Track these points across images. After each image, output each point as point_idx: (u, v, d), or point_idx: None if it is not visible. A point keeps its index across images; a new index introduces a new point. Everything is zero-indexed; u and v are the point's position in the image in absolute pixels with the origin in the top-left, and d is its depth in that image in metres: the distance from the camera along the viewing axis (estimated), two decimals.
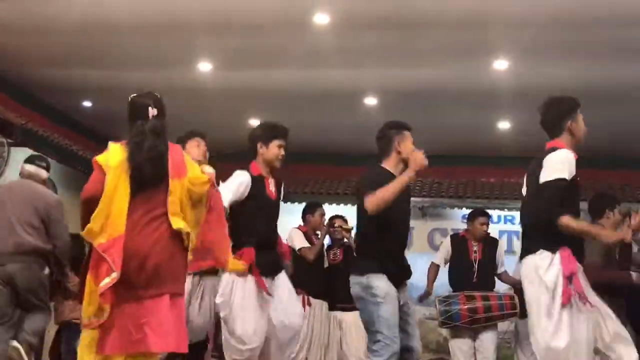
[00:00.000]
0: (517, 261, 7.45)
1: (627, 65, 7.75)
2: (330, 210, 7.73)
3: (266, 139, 4.79)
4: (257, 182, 4.71)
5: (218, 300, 4.67)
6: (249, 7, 6.95)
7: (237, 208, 4.60)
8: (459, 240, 6.93)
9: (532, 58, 7.72)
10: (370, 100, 9.27)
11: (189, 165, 3.66)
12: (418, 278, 6.86)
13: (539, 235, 3.98)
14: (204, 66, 8.44)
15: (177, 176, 3.53)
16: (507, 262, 7.07)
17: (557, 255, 3.87)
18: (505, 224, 11.46)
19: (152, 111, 3.66)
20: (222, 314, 4.63)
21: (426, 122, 9.73)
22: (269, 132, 4.84)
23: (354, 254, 5.13)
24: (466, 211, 9.25)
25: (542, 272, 3.87)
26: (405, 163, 4.41)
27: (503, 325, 7.04)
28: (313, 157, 11.39)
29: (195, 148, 5.26)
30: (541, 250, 3.93)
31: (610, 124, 9.09)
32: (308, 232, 7.00)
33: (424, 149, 4.42)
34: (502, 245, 7.28)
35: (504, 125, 9.97)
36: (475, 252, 6.78)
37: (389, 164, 4.48)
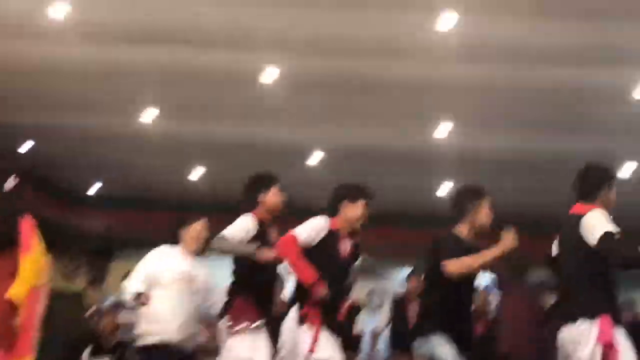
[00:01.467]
0: None
1: (566, 139, 7.97)
2: None
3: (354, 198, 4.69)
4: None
5: None
6: (198, 59, 6.94)
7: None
8: (399, 301, 6.94)
9: (474, 125, 7.88)
10: (316, 158, 9.29)
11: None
12: None
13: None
14: (149, 114, 8.36)
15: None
16: None
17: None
18: None
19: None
20: None
21: (370, 181, 9.81)
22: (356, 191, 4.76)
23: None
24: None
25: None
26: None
27: None
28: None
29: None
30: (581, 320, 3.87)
31: (547, 190, 9.31)
32: None
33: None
34: None
35: (447, 187, 10.10)
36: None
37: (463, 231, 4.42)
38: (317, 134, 8.51)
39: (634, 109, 7.06)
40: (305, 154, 9.15)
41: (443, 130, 8.06)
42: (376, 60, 6.66)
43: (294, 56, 6.75)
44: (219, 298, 4.77)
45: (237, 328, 4.38)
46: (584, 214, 4.02)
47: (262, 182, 4.95)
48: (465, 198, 4.47)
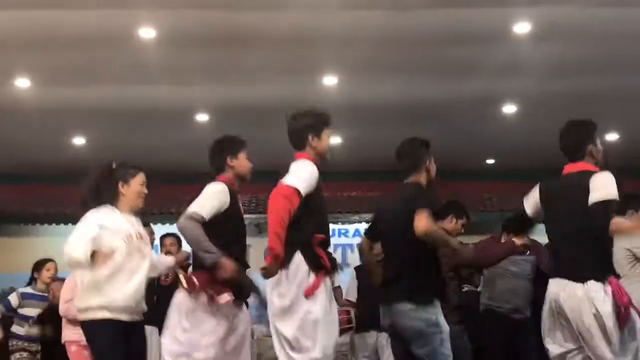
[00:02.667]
0: (352, 274, 7.57)
1: (451, 83, 8.10)
2: (162, 230, 7.46)
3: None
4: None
5: None
6: (69, 21, 6.59)
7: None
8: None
9: (361, 75, 7.88)
10: (202, 117, 9.09)
11: None
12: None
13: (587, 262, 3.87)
14: (22, 82, 7.92)
15: None
16: (342, 277, 7.11)
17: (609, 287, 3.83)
18: (339, 237, 11.67)
19: None
20: None
21: (258, 138, 9.73)
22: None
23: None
24: None
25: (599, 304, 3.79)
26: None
27: (339, 339, 7.07)
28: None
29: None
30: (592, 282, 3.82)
31: (434, 136, 9.48)
32: None
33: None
34: (337, 258, 7.32)
35: (335, 140, 10.13)
36: None
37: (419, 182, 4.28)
38: (200, 93, 8.30)
39: (514, 47, 7.21)
40: (189, 114, 8.93)
41: (329, 81, 8.01)
42: (256, 13, 6.51)
43: (170, 13, 6.51)
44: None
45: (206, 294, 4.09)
46: (589, 172, 3.99)
47: (230, 145, 4.49)
48: (419, 149, 4.36)
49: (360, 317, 6.44)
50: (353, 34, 6.91)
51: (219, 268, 3.99)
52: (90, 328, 4.06)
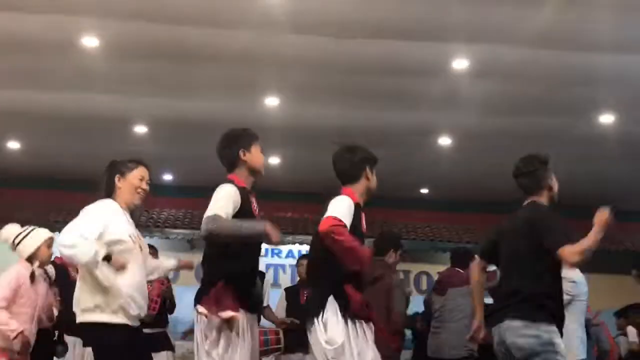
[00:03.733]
0: (282, 294, 7.59)
1: (389, 112, 8.26)
2: None
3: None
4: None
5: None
6: (10, 24, 6.49)
7: None
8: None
9: (302, 98, 7.98)
10: (140, 129, 9.04)
11: None
12: (183, 312, 6.78)
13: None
14: None
15: None
16: (272, 296, 7.13)
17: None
18: (272, 257, 11.67)
19: None
20: None
21: (197, 153, 9.72)
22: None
23: None
24: None
25: None
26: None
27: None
28: (79, 183, 10.86)
29: None
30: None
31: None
32: None
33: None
34: (269, 279, 7.36)
35: (273, 160, 10.19)
36: None
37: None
38: (140, 105, 8.25)
39: (452, 82, 7.41)
40: (128, 125, 8.87)
41: (271, 102, 8.08)
42: (202, 30, 6.54)
43: (116, 24, 6.49)
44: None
45: (215, 316, 3.77)
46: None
47: (242, 137, 4.15)
48: (539, 167, 4.14)
49: (287, 337, 6.48)
50: (297, 57, 7.01)
51: (267, 235, 3.79)
52: (97, 332, 3.75)
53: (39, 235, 4.95)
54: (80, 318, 3.82)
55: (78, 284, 3.88)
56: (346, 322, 3.73)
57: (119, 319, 3.73)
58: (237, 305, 3.82)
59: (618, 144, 8.68)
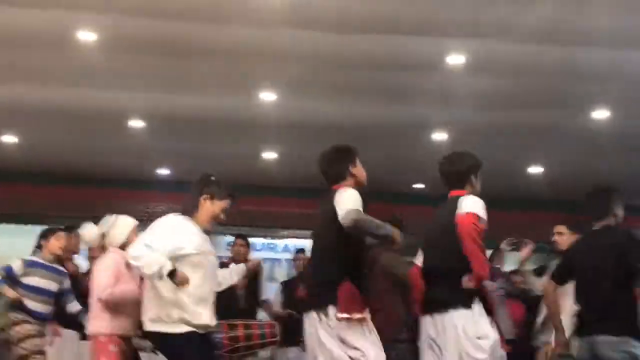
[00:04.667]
0: (278, 288, 7.63)
1: (385, 107, 8.29)
2: None
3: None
4: None
5: None
6: (7, 19, 6.49)
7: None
8: (224, 267, 6.90)
9: (298, 92, 7.99)
10: (136, 123, 9.05)
11: None
12: None
13: None
14: None
15: None
16: (269, 290, 7.18)
17: None
18: (268, 251, 11.71)
19: None
20: None
21: (193, 148, 9.76)
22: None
23: None
24: (231, 238, 9.29)
25: None
26: None
27: (262, 353, 7.12)
28: (75, 178, 10.89)
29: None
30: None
31: (369, 157, 9.66)
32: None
33: None
34: (265, 272, 7.38)
35: (269, 155, 10.21)
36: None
37: None
38: (136, 99, 8.26)
39: (447, 77, 7.44)
40: (124, 119, 8.87)
41: (268, 97, 8.10)
42: (199, 25, 6.55)
43: (113, 18, 6.48)
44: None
45: (348, 317, 3.95)
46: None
47: (350, 153, 4.46)
48: (607, 196, 4.56)
49: (284, 332, 6.52)
50: (293, 52, 7.02)
51: (393, 240, 4.06)
52: (165, 340, 4.06)
53: (126, 223, 5.05)
54: (148, 327, 4.12)
55: (145, 293, 4.15)
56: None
57: (183, 328, 4.00)
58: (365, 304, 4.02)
59: (612, 140, 8.72)
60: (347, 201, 4.02)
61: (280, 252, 11.69)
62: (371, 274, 5.63)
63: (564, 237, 5.74)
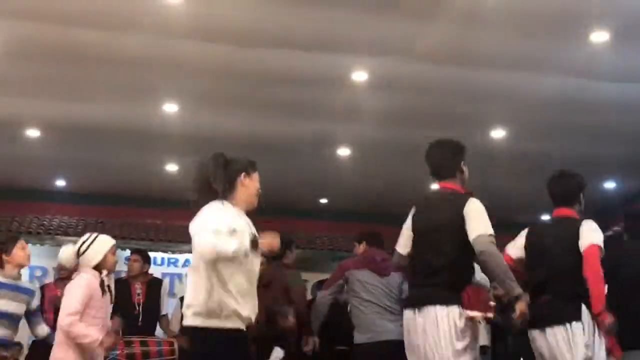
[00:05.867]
0: (177, 304, 7.47)
1: (290, 122, 8.29)
2: None
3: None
4: None
5: None
6: None
7: None
8: (121, 283, 6.72)
9: (201, 105, 7.90)
10: (33, 132, 8.72)
11: None
12: None
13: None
14: None
15: None
16: (169, 306, 7.02)
17: None
18: (169, 266, 11.47)
19: None
20: None
21: (92, 159, 9.48)
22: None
23: None
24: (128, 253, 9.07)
25: None
26: None
27: None
28: None
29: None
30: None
31: (272, 172, 9.65)
32: None
33: None
34: (166, 287, 7.22)
35: (171, 167, 10.04)
36: (138, 294, 6.63)
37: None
38: (33, 108, 7.97)
39: (352, 93, 7.52)
40: (20, 128, 8.54)
41: (171, 108, 7.97)
42: (98, 32, 6.39)
43: (8, 25, 6.26)
44: None
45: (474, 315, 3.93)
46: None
47: (463, 150, 4.30)
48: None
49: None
50: (198, 64, 6.95)
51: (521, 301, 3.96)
52: (209, 338, 3.48)
53: (104, 242, 4.77)
54: (190, 321, 3.56)
55: (190, 287, 3.63)
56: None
57: (232, 323, 3.51)
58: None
59: (507, 158, 9.02)
60: (485, 219, 3.98)
61: (181, 267, 11.48)
62: (269, 290, 5.71)
63: None
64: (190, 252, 11.68)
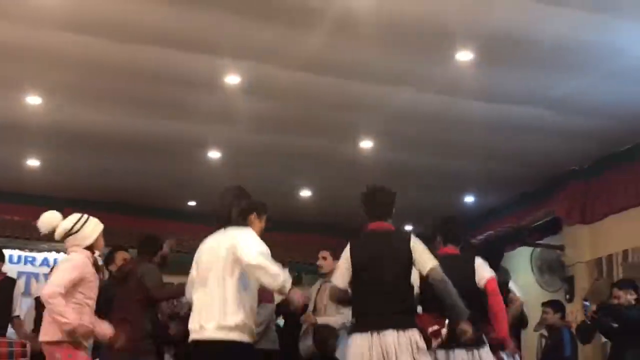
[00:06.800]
0: (31, 304, 7.20)
1: (160, 121, 8.15)
2: None
3: None
4: None
5: None
6: None
7: None
8: None
9: (66, 98, 7.62)
10: None
11: None
12: None
13: None
14: None
15: None
16: (23, 305, 6.76)
17: None
18: (25, 264, 11.03)
19: None
20: None
21: None
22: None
23: None
24: None
25: None
26: None
27: None
28: None
29: None
30: None
31: (139, 171, 9.49)
32: None
33: None
34: (20, 286, 6.95)
35: (32, 162, 9.64)
36: None
37: None
38: None
39: (224, 96, 7.49)
40: None
41: (33, 100, 7.65)
42: None
43: None
44: None
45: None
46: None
47: (395, 196, 5.12)
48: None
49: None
50: (65, 56, 6.70)
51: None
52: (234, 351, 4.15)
53: (97, 224, 4.97)
54: (214, 334, 4.16)
55: (217, 302, 4.25)
56: None
57: (248, 338, 4.27)
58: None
59: (375, 168, 9.27)
60: (429, 252, 4.66)
61: (38, 265, 11.03)
62: (126, 285, 5.83)
63: (327, 262, 6.76)
64: (48, 250, 11.32)
